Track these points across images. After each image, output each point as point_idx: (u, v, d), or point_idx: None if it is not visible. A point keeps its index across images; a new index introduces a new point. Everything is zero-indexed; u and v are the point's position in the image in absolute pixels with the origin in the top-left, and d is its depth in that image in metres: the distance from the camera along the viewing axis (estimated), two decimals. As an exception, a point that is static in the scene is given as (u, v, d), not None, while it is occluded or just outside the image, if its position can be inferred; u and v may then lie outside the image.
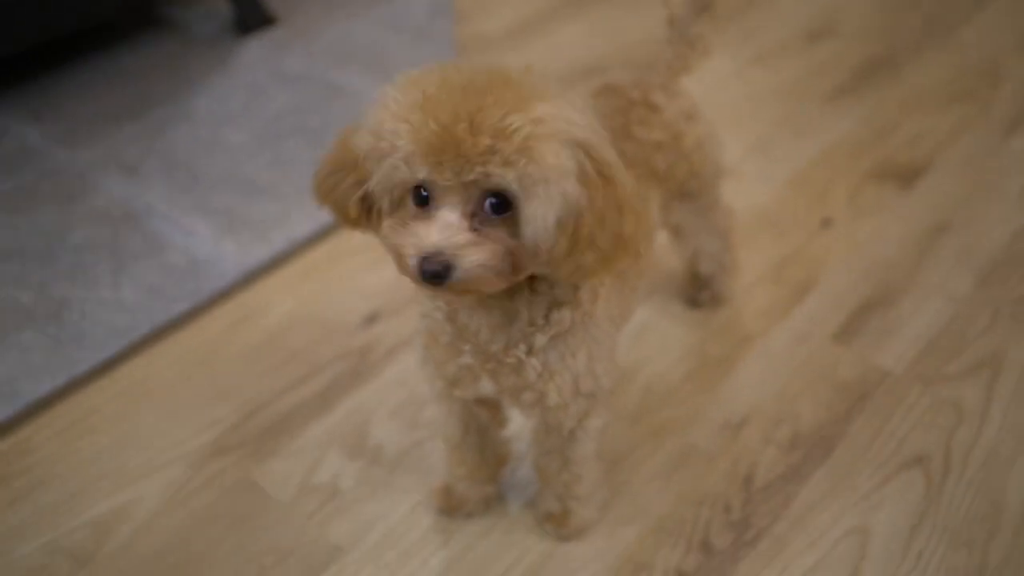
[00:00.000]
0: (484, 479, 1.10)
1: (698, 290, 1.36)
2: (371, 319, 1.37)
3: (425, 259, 0.73)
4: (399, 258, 0.76)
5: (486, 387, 0.92)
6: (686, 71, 1.16)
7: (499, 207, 0.73)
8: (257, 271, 1.45)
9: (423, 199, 0.75)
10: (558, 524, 1.09)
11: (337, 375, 1.30)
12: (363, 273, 1.45)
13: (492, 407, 1.05)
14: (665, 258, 1.35)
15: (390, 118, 0.73)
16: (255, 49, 1.93)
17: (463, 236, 0.73)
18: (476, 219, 0.74)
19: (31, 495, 1.16)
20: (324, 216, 1.50)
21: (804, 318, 1.36)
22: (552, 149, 0.71)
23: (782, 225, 1.51)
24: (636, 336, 1.33)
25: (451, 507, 1.12)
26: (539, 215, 0.72)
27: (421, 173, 0.73)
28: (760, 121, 1.73)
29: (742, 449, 1.19)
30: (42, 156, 1.65)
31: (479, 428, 1.06)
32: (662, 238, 1.24)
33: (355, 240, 1.50)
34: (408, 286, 1.36)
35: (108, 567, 1.08)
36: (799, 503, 1.13)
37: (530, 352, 0.87)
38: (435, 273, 0.73)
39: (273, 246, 1.47)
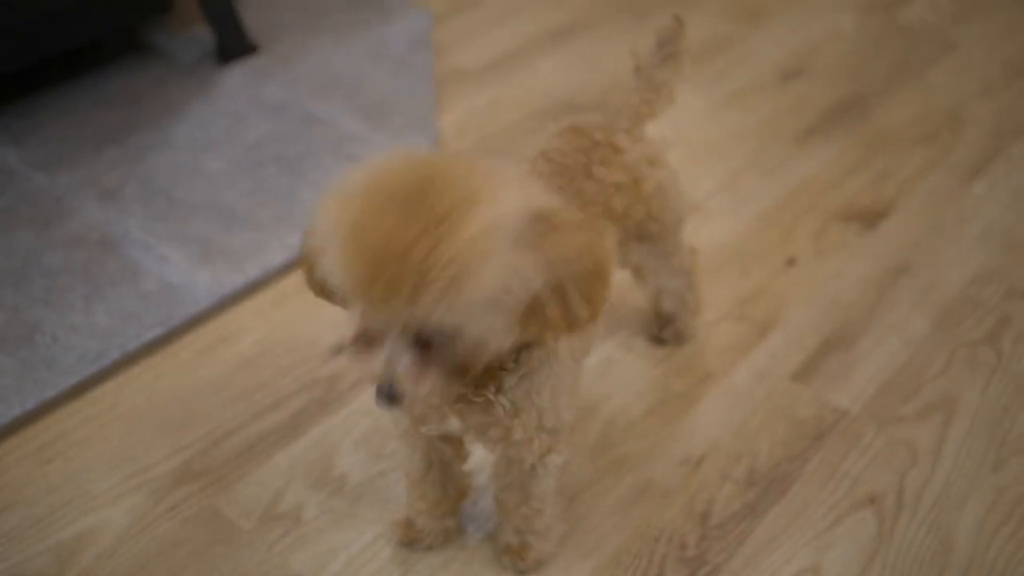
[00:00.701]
0: (444, 513, 1.12)
1: (661, 327, 1.38)
2: (340, 349, 1.39)
3: (378, 388, 0.76)
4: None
5: (453, 424, 0.94)
6: (652, 116, 1.19)
7: (442, 334, 0.73)
8: (230, 299, 1.47)
9: None
10: (516, 557, 1.11)
11: (305, 404, 1.32)
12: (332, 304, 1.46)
13: (455, 442, 1.07)
14: (629, 294, 1.38)
15: (327, 241, 0.72)
16: (236, 77, 1.96)
17: (404, 369, 0.74)
18: (420, 347, 0.74)
19: (-4, 519, 1.17)
20: (297, 245, 1.53)
21: (765, 356, 1.38)
22: (492, 268, 0.70)
23: (747, 262, 1.54)
24: (599, 371, 1.36)
25: (411, 539, 1.13)
26: (483, 335, 0.73)
27: (358, 308, 0.74)
28: (730, 159, 1.76)
29: (700, 485, 1.21)
30: (20, 179, 1.67)
31: (441, 463, 1.08)
32: (624, 276, 1.27)
33: (327, 270, 1.52)
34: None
35: (70, 592, 1.09)
36: (754, 540, 1.15)
37: (499, 391, 0.89)
38: (390, 398, 0.76)
39: (247, 274, 1.49)
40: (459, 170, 0.73)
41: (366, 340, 0.77)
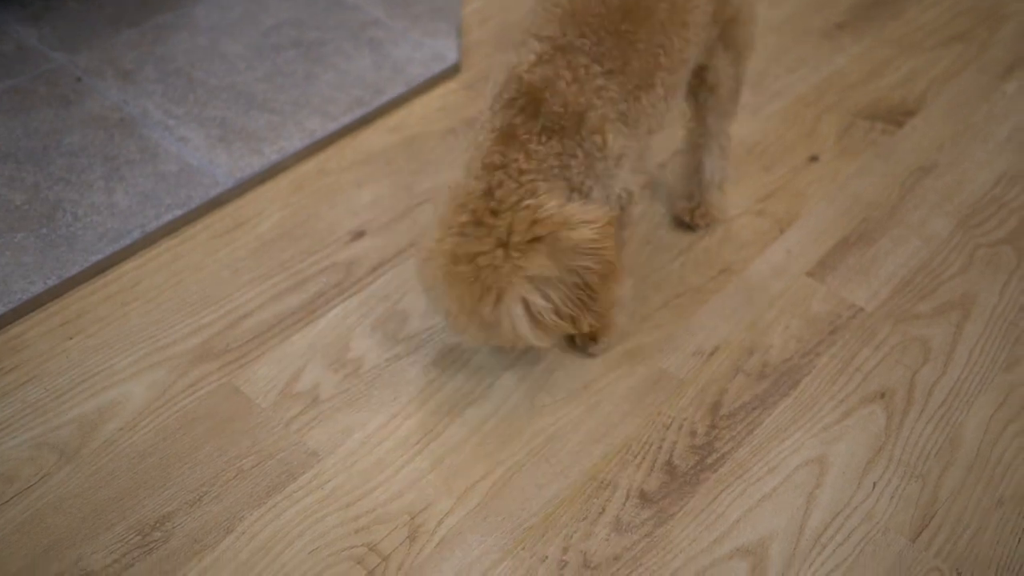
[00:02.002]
0: None
1: (692, 211, 1.39)
2: (358, 235, 1.40)
3: None
4: None
5: None
6: None
7: None
8: (249, 181, 1.47)
9: None
10: (588, 339, 1.23)
11: (323, 287, 1.33)
12: (352, 189, 1.47)
13: None
14: (658, 180, 1.37)
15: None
16: (256, -42, 1.92)
17: None
18: None
19: (20, 391, 1.19)
20: (316, 130, 1.53)
21: (783, 252, 1.38)
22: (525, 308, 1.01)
23: (770, 158, 1.52)
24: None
25: None
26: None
27: None
28: (756, 54, 1.72)
29: (712, 376, 1.23)
30: (39, 58, 1.66)
31: None
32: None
33: (346, 156, 1.52)
34: (397, 205, 1.38)
35: (92, 462, 1.12)
36: (762, 431, 1.17)
37: None
38: None
39: (265, 157, 1.49)
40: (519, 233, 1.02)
41: None
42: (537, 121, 1.04)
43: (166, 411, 1.18)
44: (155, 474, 1.11)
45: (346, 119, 1.56)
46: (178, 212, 1.40)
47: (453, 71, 1.67)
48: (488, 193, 1.03)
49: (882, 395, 1.21)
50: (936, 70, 1.68)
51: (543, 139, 1.04)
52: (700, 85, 1.27)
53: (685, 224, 1.40)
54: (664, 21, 1.09)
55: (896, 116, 1.59)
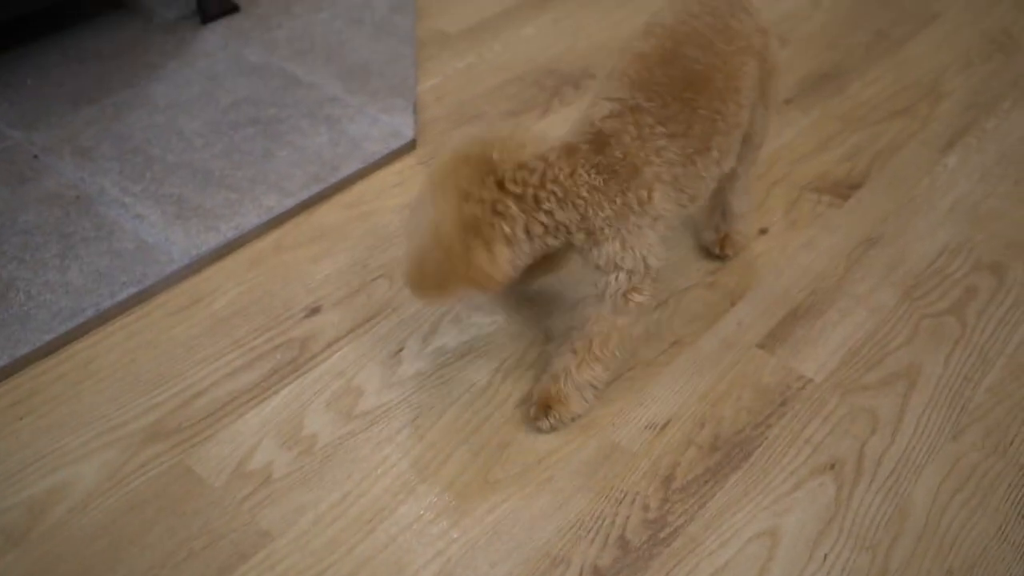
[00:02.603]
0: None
1: (721, 243, 1.48)
2: (313, 310, 1.41)
3: None
4: None
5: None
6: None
7: None
8: (205, 258, 1.47)
9: None
10: (541, 410, 1.24)
11: (277, 364, 1.33)
12: (308, 265, 1.48)
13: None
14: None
15: None
16: (216, 36, 1.95)
17: None
18: None
19: (-32, 473, 1.18)
20: (273, 206, 1.54)
21: (734, 324, 1.40)
22: None
23: (720, 232, 1.55)
24: (569, 337, 1.37)
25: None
26: None
27: None
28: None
29: (664, 449, 1.24)
30: (-3, 136, 1.67)
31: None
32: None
33: (302, 232, 1.53)
34: (352, 280, 1.39)
35: (40, 547, 1.11)
36: (715, 504, 1.18)
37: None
38: None
39: (222, 234, 1.50)
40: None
41: None
42: (597, 156, 1.11)
43: (117, 492, 1.17)
44: (105, 557, 1.10)
45: (302, 195, 1.57)
46: (133, 290, 1.40)
47: (409, 147, 1.70)
48: (522, 166, 1.09)
49: (832, 466, 1.22)
50: (880, 144, 1.73)
51: (593, 172, 1.10)
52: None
53: (715, 255, 1.49)
54: (721, 88, 1.18)
55: (842, 189, 1.64)
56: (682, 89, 1.16)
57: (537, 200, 1.09)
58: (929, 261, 1.50)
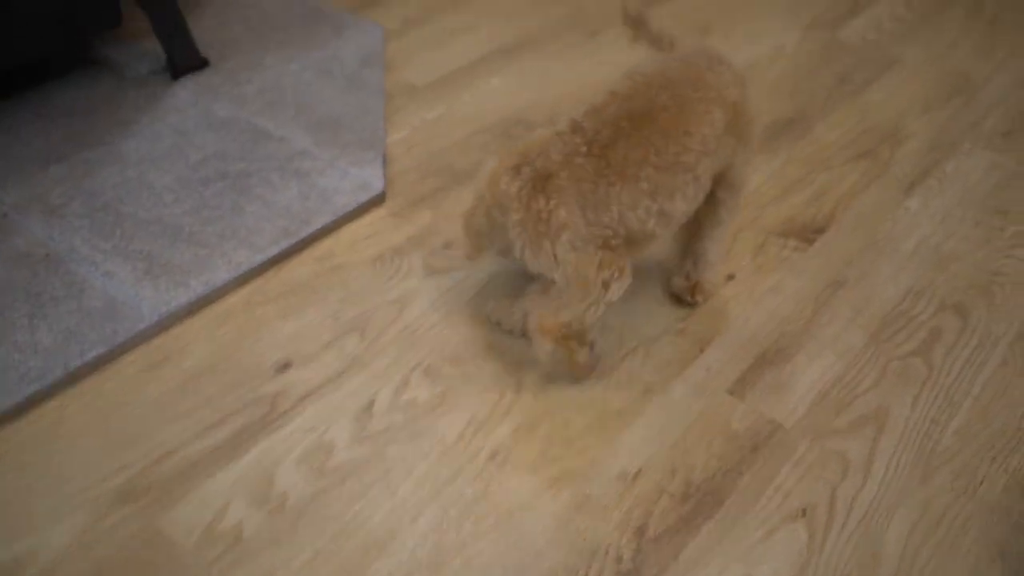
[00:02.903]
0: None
1: (691, 288, 1.50)
2: (284, 366, 1.40)
3: None
4: None
5: None
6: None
7: None
8: (175, 315, 1.47)
9: None
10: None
11: (247, 422, 1.33)
12: (279, 320, 1.48)
13: None
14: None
15: None
16: (187, 92, 1.96)
17: None
18: None
19: (-66, 540, 1.17)
20: (243, 262, 1.54)
21: (703, 370, 1.41)
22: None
23: (688, 279, 1.57)
24: (539, 387, 1.38)
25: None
26: None
27: None
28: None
29: (636, 499, 1.24)
30: (-35, 195, 1.67)
31: None
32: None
33: (272, 287, 1.53)
34: (323, 334, 1.39)
35: (7, 613, 1.10)
36: (687, 554, 1.18)
37: None
38: None
39: (192, 290, 1.50)
40: None
41: None
42: (524, 165, 1.24)
43: (85, 557, 1.16)
44: (72, 624, 1.09)
45: (273, 250, 1.58)
46: (102, 349, 1.40)
47: (379, 199, 1.71)
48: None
49: (804, 512, 1.23)
50: (843, 187, 1.76)
51: (516, 179, 1.24)
52: (721, 183, 1.38)
53: (684, 301, 1.51)
54: (665, 127, 1.24)
55: (807, 233, 1.66)
56: (622, 119, 1.23)
57: (488, 207, 1.27)
58: (894, 303, 1.52)
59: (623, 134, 1.23)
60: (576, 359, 1.34)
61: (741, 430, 1.33)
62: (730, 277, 1.57)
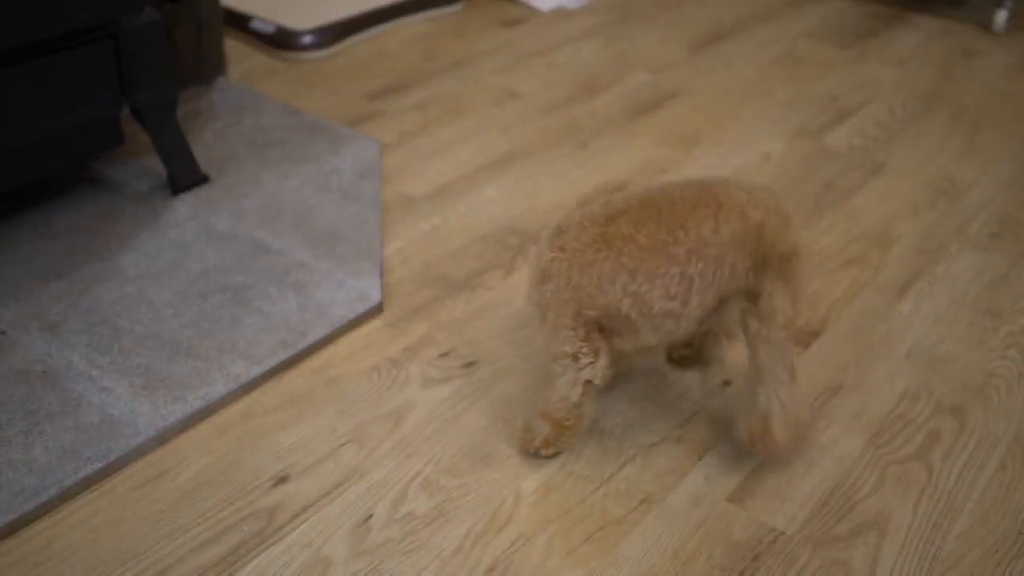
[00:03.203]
0: None
1: (755, 435, 1.39)
2: (281, 479, 1.40)
3: None
4: None
5: None
6: None
7: None
8: (171, 429, 1.47)
9: None
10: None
11: (244, 537, 1.31)
12: (276, 432, 1.47)
13: None
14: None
15: None
16: (186, 207, 2.00)
17: None
18: None
19: (-79, 666, 1.14)
20: (240, 374, 1.55)
21: (702, 478, 1.41)
22: None
23: (685, 384, 1.57)
24: (539, 496, 1.37)
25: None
26: None
27: None
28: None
29: (638, 612, 1.22)
30: (-35, 312, 1.68)
31: None
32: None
33: (270, 399, 1.53)
34: (320, 446, 1.39)
35: None
36: (691, 667, 1.16)
37: None
38: None
39: (189, 404, 1.50)
40: None
41: None
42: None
43: None
44: None
45: (270, 362, 1.58)
46: (98, 465, 1.39)
47: (377, 310, 1.73)
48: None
49: (808, 622, 1.21)
50: (836, 293, 1.78)
51: None
52: (749, 311, 1.34)
53: (743, 444, 1.41)
54: (666, 216, 1.30)
55: (802, 337, 1.67)
56: (634, 199, 1.31)
57: None
58: (891, 407, 1.52)
59: (630, 211, 1.29)
60: (563, 439, 1.41)
61: (743, 539, 1.31)
62: (726, 383, 1.57)
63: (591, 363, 1.31)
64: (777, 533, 1.32)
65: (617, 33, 2.86)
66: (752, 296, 1.33)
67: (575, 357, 1.31)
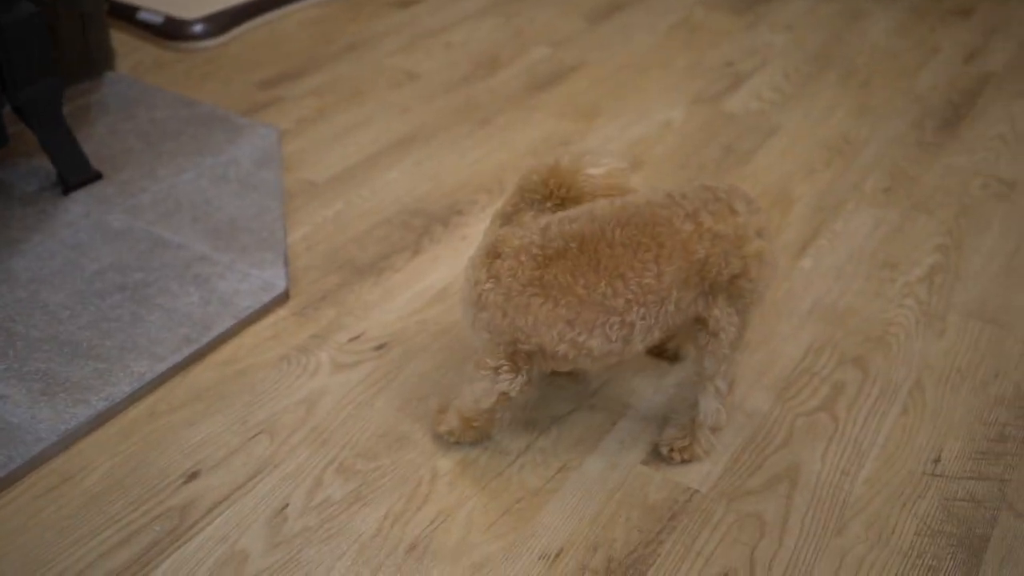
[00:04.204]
0: None
1: (679, 444, 1.39)
2: (191, 476, 1.37)
3: None
4: None
5: None
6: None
7: None
8: (74, 433, 1.42)
9: None
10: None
11: (156, 537, 1.28)
12: (184, 429, 1.44)
13: None
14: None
15: None
16: (79, 206, 1.93)
17: None
18: None
19: None
20: (144, 372, 1.51)
21: (616, 443, 1.42)
22: None
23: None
24: (456, 473, 1.37)
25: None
26: None
27: None
28: (574, 253, 1.82)
29: (560, 579, 1.23)
30: None
31: None
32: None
33: (176, 396, 1.50)
34: (231, 439, 1.36)
35: None
36: (614, 629, 1.17)
37: None
38: None
39: (92, 407, 1.45)
40: None
41: None
42: None
43: None
44: None
45: (175, 358, 1.55)
46: (-2, 475, 1.34)
47: (283, 299, 1.70)
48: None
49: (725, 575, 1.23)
50: (739, 253, 1.81)
51: None
52: (700, 326, 1.32)
53: (660, 454, 1.39)
54: (605, 264, 1.23)
55: (708, 300, 1.69)
56: (573, 240, 1.24)
57: None
58: (796, 362, 1.56)
59: (568, 255, 1.23)
60: (468, 436, 1.40)
61: (658, 500, 1.33)
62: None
63: (510, 379, 1.28)
64: (692, 492, 1.34)
65: (515, 10, 2.85)
66: (700, 320, 1.31)
67: (496, 370, 1.28)
